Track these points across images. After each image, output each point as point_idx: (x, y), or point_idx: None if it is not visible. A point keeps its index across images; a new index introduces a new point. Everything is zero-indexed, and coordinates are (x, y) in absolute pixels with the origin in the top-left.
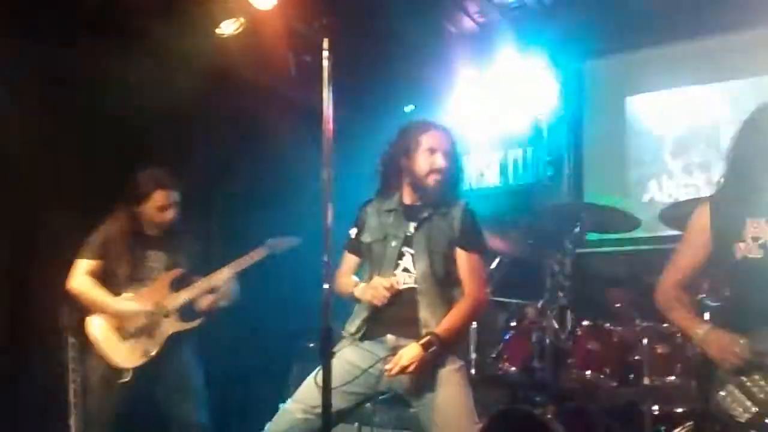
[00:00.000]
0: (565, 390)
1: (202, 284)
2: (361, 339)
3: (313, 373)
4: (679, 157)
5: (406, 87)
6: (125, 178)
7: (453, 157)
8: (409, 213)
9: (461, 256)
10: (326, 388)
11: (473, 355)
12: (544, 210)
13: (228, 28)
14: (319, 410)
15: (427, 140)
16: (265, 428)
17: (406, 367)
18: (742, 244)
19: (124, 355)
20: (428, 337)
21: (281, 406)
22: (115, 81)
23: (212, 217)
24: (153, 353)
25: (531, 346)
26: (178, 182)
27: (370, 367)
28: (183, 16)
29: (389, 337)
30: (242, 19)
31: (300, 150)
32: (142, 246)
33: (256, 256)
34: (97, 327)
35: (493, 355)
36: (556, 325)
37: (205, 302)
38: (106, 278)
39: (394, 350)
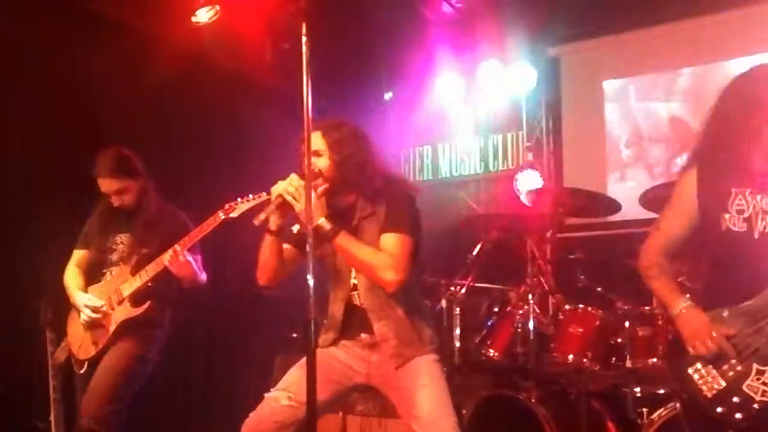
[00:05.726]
0: (548, 374)
1: (152, 267)
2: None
3: (298, 364)
4: (655, 142)
5: (386, 73)
6: None
7: (333, 151)
8: (341, 222)
9: (384, 238)
10: (311, 384)
11: (457, 342)
12: (524, 195)
13: (203, 15)
14: (302, 399)
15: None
16: (250, 416)
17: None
18: (727, 216)
19: (82, 346)
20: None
21: (266, 395)
22: (89, 68)
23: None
24: (102, 344)
25: (514, 331)
26: (120, 169)
27: (351, 361)
28: (157, 3)
29: (363, 336)
30: (217, 7)
31: (278, 138)
32: (115, 229)
33: (207, 226)
34: (70, 319)
35: (477, 341)
36: (538, 310)
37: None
38: (91, 267)
39: (370, 347)
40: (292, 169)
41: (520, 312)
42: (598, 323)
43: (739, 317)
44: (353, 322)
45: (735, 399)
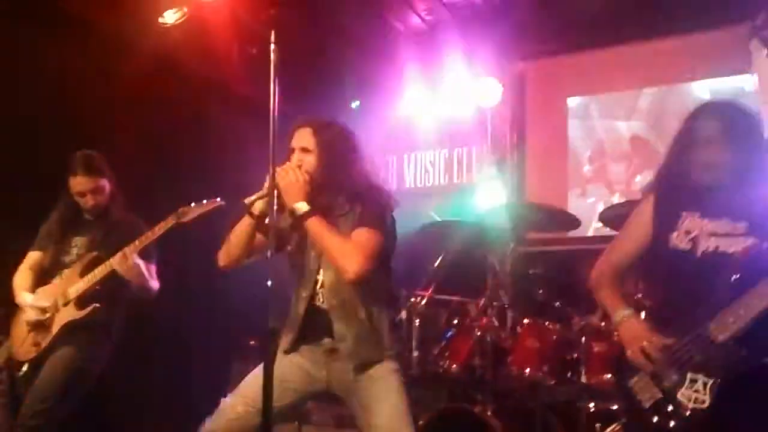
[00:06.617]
0: (504, 388)
1: (100, 270)
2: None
3: (256, 370)
4: (616, 160)
5: (354, 83)
6: (64, 165)
7: (322, 150)
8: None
9: (355, 232)
10: (267, 391)
11: (415, 353)
12: (486, 208)
13: (170, 17)
14: (259, 405)
15: (293, 141)
16: (206, 422)
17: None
18: (674, 234)
19: (23, 347)
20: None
21: (222, 401)
22: (53, 68)
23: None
24: (44, 345)
25: (472, 343)
26: (96, 168)
27: (310, 367)
28: (125, 3)
29: (325, 341)
30: (185, 9)
31: (245, 142)
32: (73, 233)
33: (158, 230)
34: (15, 320)
35: (435, 353)
36: (497, 323)
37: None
38: (46, 269)
39: (331, 352)
40: (260, 172)
41: (479, 325)
42: (555, 338)
43: (677, 330)
44: (315, 325)
45: (669, 408)
